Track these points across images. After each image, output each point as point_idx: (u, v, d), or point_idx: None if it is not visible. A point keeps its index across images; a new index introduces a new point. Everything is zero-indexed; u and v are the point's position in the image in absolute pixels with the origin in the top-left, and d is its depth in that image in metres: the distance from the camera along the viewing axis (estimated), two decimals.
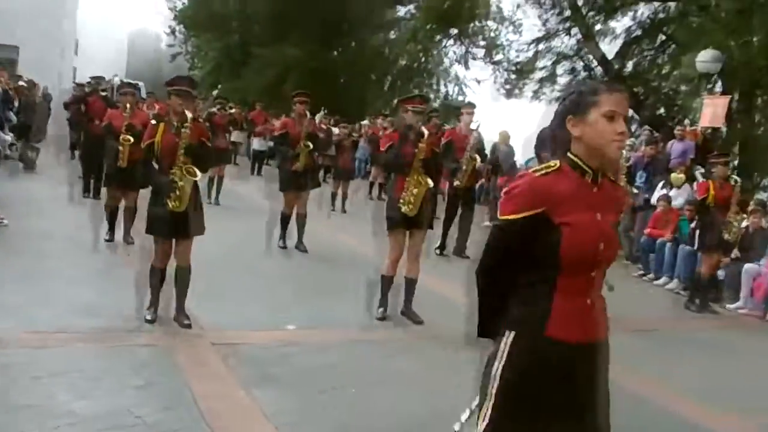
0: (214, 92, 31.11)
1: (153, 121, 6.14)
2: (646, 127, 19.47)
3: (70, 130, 17.33)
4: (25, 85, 20.29)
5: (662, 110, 23.08)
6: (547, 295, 2.53)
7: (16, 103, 16.77)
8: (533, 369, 2.53)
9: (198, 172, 5.92)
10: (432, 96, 34.43)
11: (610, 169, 2.74)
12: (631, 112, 23.18)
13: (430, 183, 6.87)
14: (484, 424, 2.61)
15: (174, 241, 6.12)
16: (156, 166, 6.12)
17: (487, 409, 2.60)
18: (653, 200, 12.31)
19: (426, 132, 6.93)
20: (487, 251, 2.62)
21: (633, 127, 20.13)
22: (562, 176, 2.54)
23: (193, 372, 5.21)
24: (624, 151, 10.51)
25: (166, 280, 6.29)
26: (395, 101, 30.91)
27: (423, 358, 6.07)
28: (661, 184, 12.54)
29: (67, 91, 20.99)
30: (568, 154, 2.58)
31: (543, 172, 2.55)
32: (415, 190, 6.80)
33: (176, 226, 6.01)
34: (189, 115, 5.95)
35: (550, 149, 2.67)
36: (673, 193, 12.14)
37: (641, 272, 11.78)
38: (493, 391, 2.59)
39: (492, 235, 2.61)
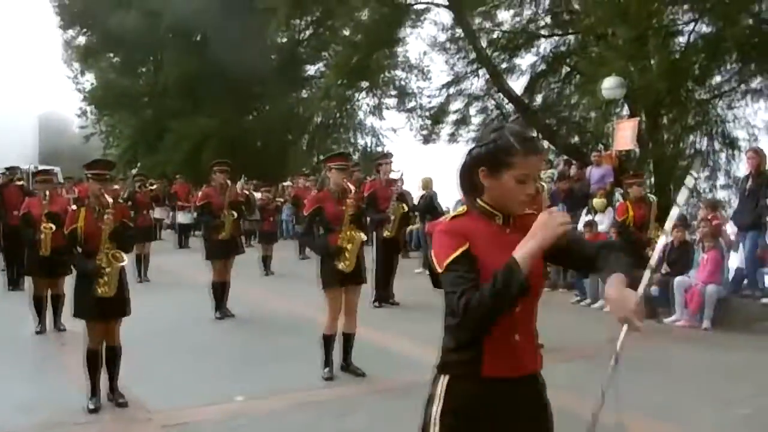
0: (133, 170, 30.84)
1: (74, 206, 6.08)
2: (563, 156, 20.05)
3: None
4: None
5: (576, 138, 23.75)
6: (475, 337, 2.53)
7: None
8: (474, 410, 2.55)
9: (124, 257, 5.93)
10: (351, 149, 34.77)
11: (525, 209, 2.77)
12: (546, 143, 23.84)
13: (363, 236, 6.95)
14: None
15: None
16: (80, 250, 6.04)
17: None
18: (579, 227, 12.60)
19: (352, 188, 7.03)
20: (455, 295, 2.45)
21: (551, 157, 20.62)
22: (472, 219, 2.60)
23: None
24: (544, 185, 10.81)
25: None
26: (315, 160, 31.25)
27: (374, 414, 6.06)
28: (585, 211, 12.87)
29: None
30: (477, 200, 2.61)
31: (452, 216, 2.64)
32: (349, 246, 6.85)
33: (106, 308, 5.97)
34: (109, 199, 5.93)
35: (461, 189, 2.69)
36: (597, 218, 12.45)
37: (578, 298, 11.98)
38: None
39: (447, 284, 2.49)
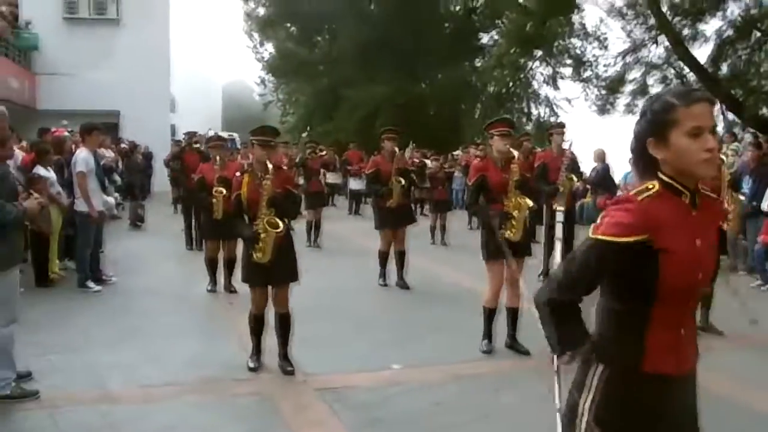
0: (304, 135, 31.72)
1: (238, 173, 6.19)
2: (750, 129, 18.71)
3: (171, 186, 17.85)
4: (127, 147, 21.15)
5: (765, 110, 22.14)
6: (641, 328, 2.36)
7: (120, 165, 17.42)
8: (630, 407, 2.39)
9: (280, 224, 5.91)
10: (524, 119, 34.22)
11: (710, 185, 2.54)
12: (732, 116, 22.38)
13: (530, 203, 6.69)
14: None
15: (270, 288, 6.14)
16: (245, 216, 6.15)
17: None
18: (764, 206, 11.71)
19: (516, 154, 6.79)
20: (571, 268, 2.38)
21: (736, 131, 19.34)
22: (662, 199, 2.33)
23: (297, 419, 5.17)
24: (727, 158, 10.09)
25: (269, 326, 6.31)
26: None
27: (529, 391, 5.87)
28: None
29: (167, 148, 21.75)
30: (660, 175, 2.36)
31: (644, 195, 2.33)
32: (516, 212, 6.63)
33: (266, 275, 6.03)
34: (270, 165, 5.99)
35: (637, 172, 2.46)
36: None
37: (759, 283, 11.19)
38: (583, 426, 2.44)
39: (583, 253, 2.35)
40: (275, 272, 6.02)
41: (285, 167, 14.95)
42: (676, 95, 2.31)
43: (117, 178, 15.67)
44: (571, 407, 2.48)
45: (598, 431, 2.42)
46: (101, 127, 9.94)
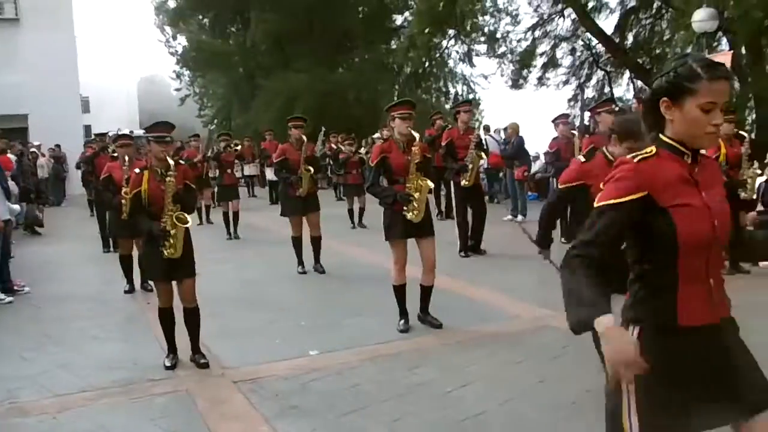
0: (211, 127, 31.41)
1: (137, 170, 6.14)
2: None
3: (85, 188, 17.47)
4: (19, 152, 20.57)
5: None
6: (670, 284, 2.46)
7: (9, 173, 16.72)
8: (671, 362, 2.45)
9: (188, 218, 5.98)
10: (442, 98, 34.51)
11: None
12: (640, 83, 22.96)
13: (431, 184, 6.81)
14: (637, 425, 2.49)
15: (175, 283, 6.14)
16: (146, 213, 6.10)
17: (631, 413, 2.49)
18: None
19: (417, 136, 6.88)
20: (589, 238, 2.46)
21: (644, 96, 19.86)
22: (661, 160, 2.46)
23: (215, 414, 5.15)
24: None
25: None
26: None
27: (445, 365, 5.98)
28: None
29: (80, 149, 21.28)
30: (661, 136, 2.50)
31: (642, 157, 2.46)
32: (417, 195, 6.72)
33: (169, 270, 6.04)
34: (171, 162, 5.96)
35: (645, 123, 2.58)
36: None
37: None
38: (631, 390, 2.47)
39: (594, 222, 2.46)
40: (177, 267, 6.03)
41: (198, 161, 14.92)
42: (703, 67, 2.39)
43: (13, 185, 15.20)
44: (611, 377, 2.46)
45: (644, 395, 2.45)
46: None
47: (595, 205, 2.47)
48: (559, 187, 5.02)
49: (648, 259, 2.50)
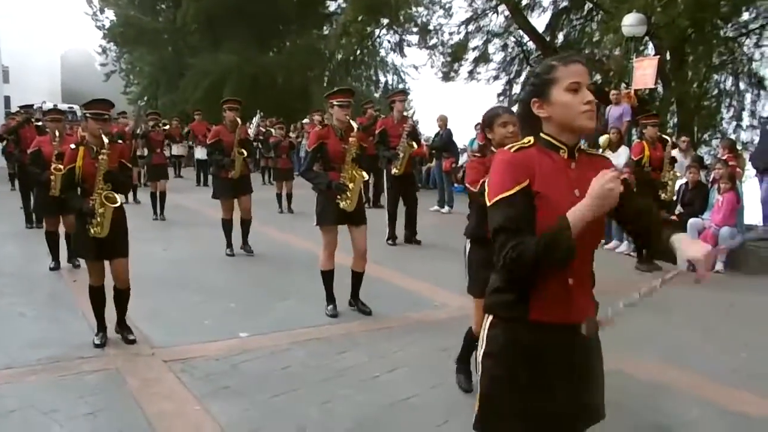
0: (141, 104, 30.83)
1: (72, 146, 6.08)
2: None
3: (6, 161, 17.02)
4: None
5: (598, 77, 23.33)
6: (525, 276, 2.42)
7: None
8: (515, 356, 2.49)
9: (118, 198, 5.95)
10: (372, 87, 34.57)
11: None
12: None
13: (365, 176, 6.92)
14: (474, 414, 2.61)
15: (107, 262, 6.12)
16: (78, 190, 6.07)
17: (478, 398, 2.60)
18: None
19: (355, 125, 6.97)
20: (500, 238, 2.39)
21: None
22: (536, 152, 2.48)
23: (146, 393, 5.17)
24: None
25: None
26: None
27: (373, 350, 6.12)
28: (600, 152, 12.66)
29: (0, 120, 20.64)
30: (541, 134, 2.53)
31: (517, 148, 2.50)
32: (351, 185, 6.83)
33: (100, 248, 6.02)
34: (105, 140, 5.94)
35: (523, 135, 2.60)
36: (612, 157, 12.27)
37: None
38: (479, 379, 2.59)
39: (494, 221, 2.41)
40: (109, 246, 6.03)
41: (126, 139, 14.71)
42: (556, 58, 2.53)
43: None
44: (475, 366, 2.60)
45: (486, 379, 2.55)
46: None
47: (489, 202, 2.44)
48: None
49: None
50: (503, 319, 2.52)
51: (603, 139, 12.48)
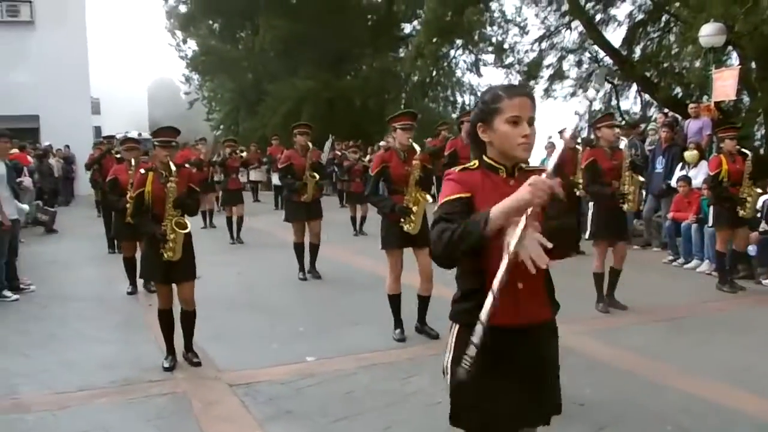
0: (217, 133, 31.53)
1: (142, 171, 6.26)
2: (665, 110, 19.27)
3: (93, 189, 17.63)
4: (41, 151, 20.85)
5: (678, 90, 22.77)
6: (481, 284, 2.64)
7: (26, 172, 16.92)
8: (474, 359, 2.57)
9: (188, 224, 6.10)
10: (449, 108, 34.56)
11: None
12: (647, 96, 22.96)
13: (430, 199, 6.89)
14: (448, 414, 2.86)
15: (174, 285, 6.26)
16: (149, 214, 6.21)
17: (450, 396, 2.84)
18: (673, 183, 12.14)
19: (418, 148, 6.96)
20: (436, 226, 2.64)
21: (650, 112, 19.87)
22: (479, 173, 2.76)
23: (209, 416, 5.24)
24: (624, 142, 10.44)
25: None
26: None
27: (438, 374, 6.02)
28: (679, 166, 12.34)
29: (90, 150, 21.49)
30: (484, 157, 2.78)
31: (464, 167, 2.80)
32: (414, 208, 6.82)
33: (168, 272, 6.16)
34: (173, 167, 6.08)
35: (473, 154, 2.85)
36: (692, 172, 11.95)
37: (671, 258, 11.60)
38: (447, 383, 2.80)
39: (435, 215, 2.69)
40: (176, 270, 6.15)
41: (204, 165, 15.06)
42: (503, 89, 2.73)
43: (28, 183, 15.40)
44: (443, 369, 2.83)
45: (453, 386, 2.78)
46: (7, 133, 9.72)
47: (439, 202, 2.73)
48: None
49: (465, 259, 2.64)
50: (465, 325, 2.71)
51: (689, 155, 12.13)
